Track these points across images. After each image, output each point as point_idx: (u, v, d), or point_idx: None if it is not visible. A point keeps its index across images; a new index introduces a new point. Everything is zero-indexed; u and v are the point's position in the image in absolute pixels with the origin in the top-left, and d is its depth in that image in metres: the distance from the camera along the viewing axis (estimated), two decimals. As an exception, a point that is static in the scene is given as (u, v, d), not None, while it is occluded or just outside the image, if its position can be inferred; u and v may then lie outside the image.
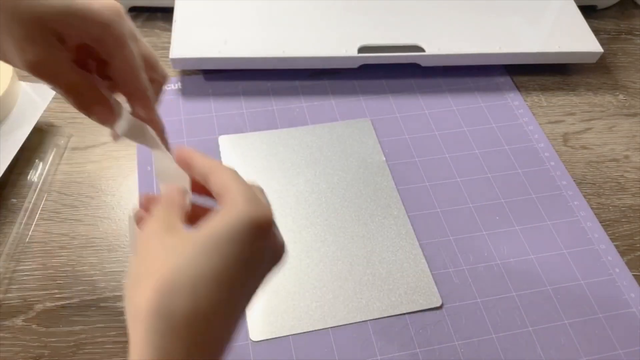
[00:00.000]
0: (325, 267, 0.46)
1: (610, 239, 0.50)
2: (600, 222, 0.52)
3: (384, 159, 0.53)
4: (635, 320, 0.45)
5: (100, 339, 0.42)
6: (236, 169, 0.51)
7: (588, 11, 0.70)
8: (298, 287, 0.45)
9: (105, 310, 0.43)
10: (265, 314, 0.44)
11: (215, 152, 0.52)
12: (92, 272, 0.45)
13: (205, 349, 0.27)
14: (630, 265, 0.49)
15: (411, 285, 0.46)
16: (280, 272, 0.45)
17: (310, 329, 0.43)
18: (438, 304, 0.45)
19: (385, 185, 0.52)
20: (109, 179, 0.51)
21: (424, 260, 0.47)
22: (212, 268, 0.27)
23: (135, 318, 0.27)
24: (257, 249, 0.29)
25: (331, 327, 0.43)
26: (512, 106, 0.59)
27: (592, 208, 0.52)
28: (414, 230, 0.49)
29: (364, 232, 0.49)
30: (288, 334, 0.43)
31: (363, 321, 0.44)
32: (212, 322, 0.27)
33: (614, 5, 0.73)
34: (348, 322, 0.44)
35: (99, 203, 0.49)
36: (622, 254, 0.50)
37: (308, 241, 0.48)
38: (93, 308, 0.43)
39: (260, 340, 0.42)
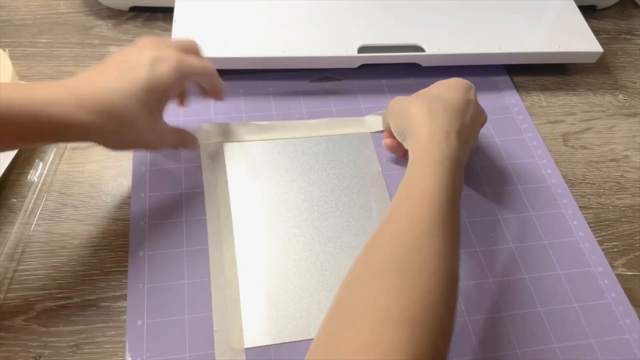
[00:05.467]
0: (312, 277, 0.46)
1: (610, 239, 0.51)
2: (600, 222, 0.52)
3: (380, 169, 0.53)
4: (629, 348, 0.44)
5: (100, 339, 0.42)
6: (234, 173, 0.51)
7: (588, 11, 0.70)
8: (282, 297, 0.44)
9: (105, 310, 0.43)
10: (247, 322, 0.43)
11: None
12: (92, 272, 0.45)
13: None
14: (629, 265, 0.49)
15: None
16: (266, 280, 0.45)
17: (292, 340, 0.42)
18: None
19: (379, 196, 0.51)
20: (109, 179, 0.51)
21: None
22: None
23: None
24: None
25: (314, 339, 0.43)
26: (517, 121, 0.58)
27: (592, 208, 0.52)
28: None
29: (354, 243, 0.48)
30: (269, 343, 0.42)
31: None
32: None
33: (614, 5, 0.73)
34: None
35: (99, 203, 0.49)
36: (622, 253, 0.50)
37: (297, 250, 0.47)
38: (93, 308, 0.43)
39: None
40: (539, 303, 0.46)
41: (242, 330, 0.43)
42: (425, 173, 0.40)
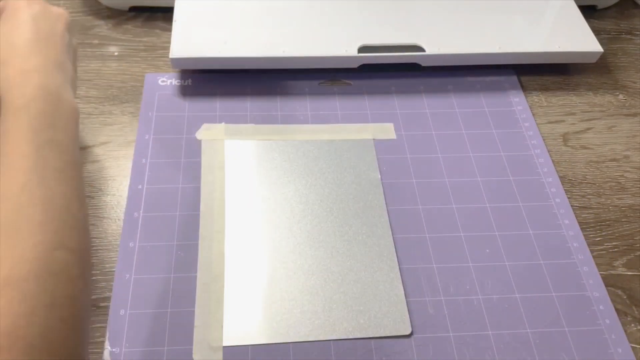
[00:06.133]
0: (298, 280, 0.45)
1: (610, 239, 0.51)
2: (600, 222, 0.52)
3: (379, 176, 0.52)
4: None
5: (100, 339, 0.42)
6: (233, 171, 0.51)
7: (588, 11, 0.70)
8: (266, 298, 0.44)
9: (105, 310, 0.43)
10: (228, 320, 0.43)
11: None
12: (92, 272, 0.45)
13: None
14: (629, 265, 0.49)
15: (383, 310, 0.44)
16: (252, 280, 0.45)
17: (271, 342, 0.42)
18: (407, 332, 0.43)
19: (375, 203, 0.50)
20: (109, 179, 0.51)
21: (400, 286, 0.45)
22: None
23: None
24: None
25: (292, 342, 0.42)
26: (525, 135, 0.57)
27: (592, 208, 0.52)
28: (397, 254, 0.47)
29: (344, 249, 0.47)
30: (247, 343, 0.42)
31: (326, 340, 0.42)
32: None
33: (614, 5, 0.73)
34: (310, 340, 0.42)
35: (99, 203, 0.49)
36: (622, 253, 0.50)
37: (286, 252, 0.47)
38: (93, 308, 0.43)
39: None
40: (528, 324, 0.44)
41: (222, 328, 0.42)
42: (9, 130, 0.35)
